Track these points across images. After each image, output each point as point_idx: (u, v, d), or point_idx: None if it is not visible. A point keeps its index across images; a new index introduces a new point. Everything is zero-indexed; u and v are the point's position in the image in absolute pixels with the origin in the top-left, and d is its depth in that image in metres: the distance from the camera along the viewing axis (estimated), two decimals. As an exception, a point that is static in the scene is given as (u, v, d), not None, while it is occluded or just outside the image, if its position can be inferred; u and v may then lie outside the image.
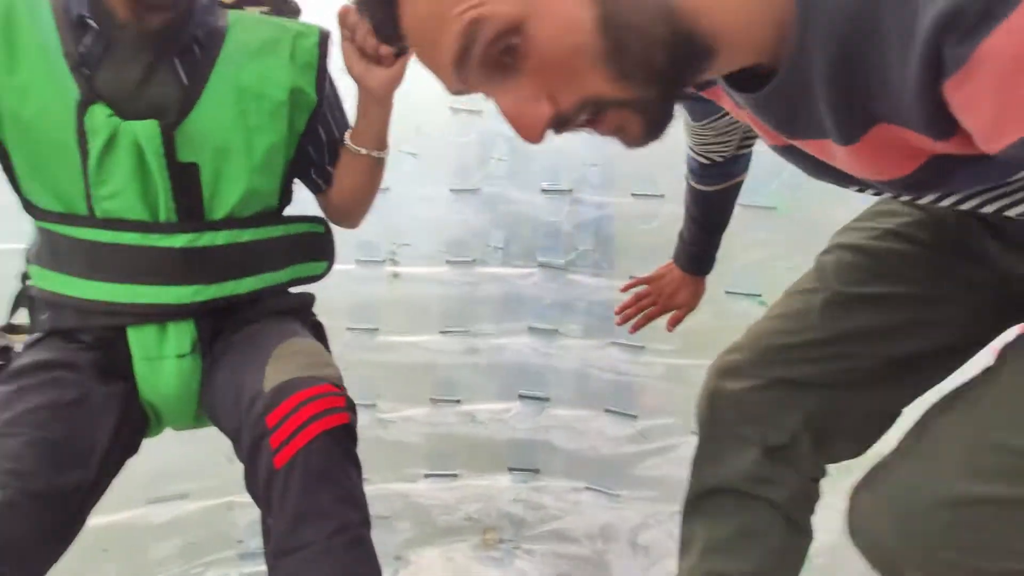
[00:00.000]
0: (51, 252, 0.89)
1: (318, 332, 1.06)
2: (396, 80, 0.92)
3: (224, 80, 0.88)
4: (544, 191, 1.95)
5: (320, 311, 1.12)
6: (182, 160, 0.84)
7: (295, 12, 1.02)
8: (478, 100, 1.90)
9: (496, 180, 1.92)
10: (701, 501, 0.82)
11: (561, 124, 0.47)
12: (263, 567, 0.76)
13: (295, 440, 0.72)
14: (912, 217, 0.76)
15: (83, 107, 0.80)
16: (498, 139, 1.90)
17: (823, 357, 0.76)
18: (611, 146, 0.50)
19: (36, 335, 0.92)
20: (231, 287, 0.92)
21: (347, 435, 0.77)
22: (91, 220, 0.85)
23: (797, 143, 0.53)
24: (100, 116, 0.80)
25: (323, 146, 1.00)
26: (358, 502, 0.76)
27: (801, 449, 0.77)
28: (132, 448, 0.92)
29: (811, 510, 0.82)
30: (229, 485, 1.17)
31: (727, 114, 0.84)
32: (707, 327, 1.10)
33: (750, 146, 1.05)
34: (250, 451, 0.76)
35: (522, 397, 2.01)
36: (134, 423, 0.91)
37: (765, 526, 0.77)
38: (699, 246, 1.20)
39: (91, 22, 0.82)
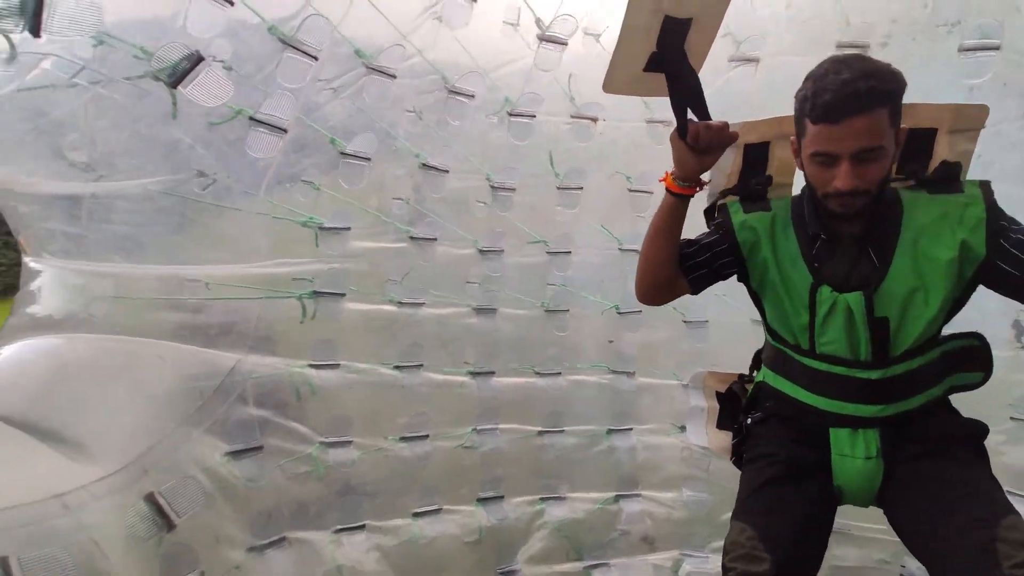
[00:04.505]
0: (782, 365, 1.28)
1: (984, 459, 1.21)
2: None
3: (904, 254, 1.15)
4: None
5: (978, 397, 1.28)
6: (877, 316, 1.15)
7: (954, 176, 1.19)
8: None
9: None
10: None
11: None
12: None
13: None
14: None
15: (814, 288, 1.18)
16: None
17: None
18: None
19: (760, 415, 1.32)
20: (904, 404, 1.18)
21: None
22: (812, 354, 1.21)
23: None
24: (825, 293, 1.17)
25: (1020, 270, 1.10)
26: None
27: None
28: (830, 521, 1.22)
29: None
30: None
31: None
32: None
33: None
34: None
35: None
36: (831, 500, 1.24)
37: None
38: None
39: (822, 236, 1.20)
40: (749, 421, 1.34)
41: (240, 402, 1.76)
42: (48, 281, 1.72)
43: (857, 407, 1.19)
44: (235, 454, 1.73)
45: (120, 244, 1.67)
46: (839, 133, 1.06)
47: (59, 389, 1.59)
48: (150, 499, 1.52)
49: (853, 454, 1.19)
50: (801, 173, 1.22)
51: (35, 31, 1.14)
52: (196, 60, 1.45)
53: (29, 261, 1.76)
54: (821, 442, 1.22)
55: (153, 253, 1.69)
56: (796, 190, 1.35)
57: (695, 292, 1.34)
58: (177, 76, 1.44)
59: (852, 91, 1.04)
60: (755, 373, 1.43)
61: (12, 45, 1.13)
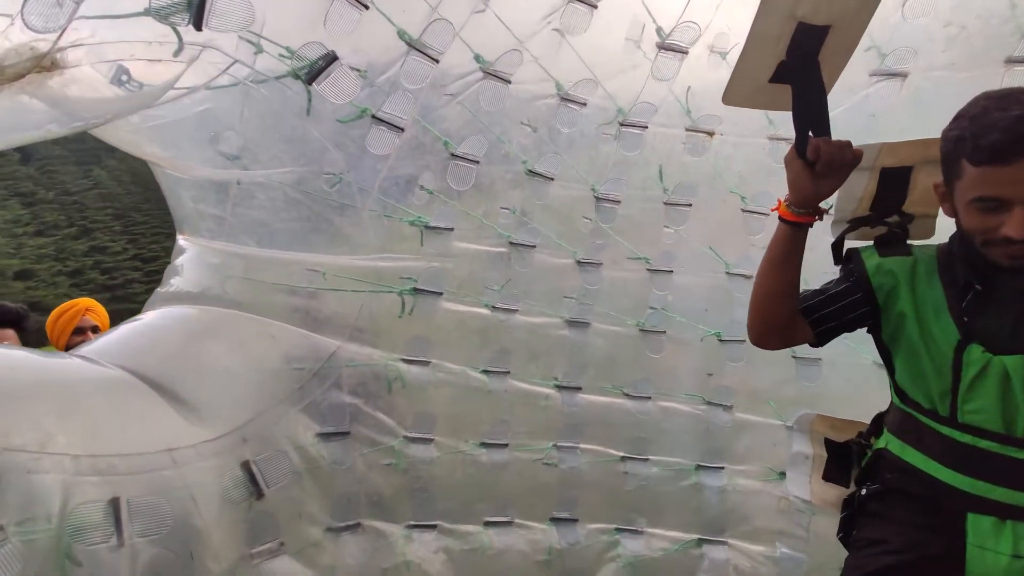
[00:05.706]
0: (912, 432, 1.11)
1: None
2: None
3: None
4: None
5: None
6: None
7: None
8: None
9: None
10: None
11: None
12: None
13: None
14: None
15: (962, 346, 1.04)
16: None
17: None
18: None
19: (877, 486, 1.16)
20: None
21: None
22: (953, 422, 1.05)
23: None
24: (975, 353, 1.03)
25: None
26: None
27: None
28: None
29: None
30: None
31: None
32: None
33: None
34: None
35: None
36: None
37: None
38: None
39: (977, 286, 1.04)
40: (863, 493, 1.18)
41: (335, 387, 1.84)
42: (191, 258, 1.93)
43: (1007, 492, 1.01)
44: (324, 436, 1.80)
45: (254, 229, 1.82)
46: (1012, 176, 0.94)
47: (187, 355, 1.75)
48: (245, 467, 1.62)
49: (997, 549, 1.00)
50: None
51: (197, 24, 1.29)
52: (331, 59, 1.56)
53: (180, 239, 1.99)
54: (953, 528, 1.04)
55: (281, 240, 1.83)
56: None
57: (819, 345, 1.22)
58: (313, 74, 1.55)
59: None
60: (873, 440, 1.26)
61: (180, 38, 1.28)
